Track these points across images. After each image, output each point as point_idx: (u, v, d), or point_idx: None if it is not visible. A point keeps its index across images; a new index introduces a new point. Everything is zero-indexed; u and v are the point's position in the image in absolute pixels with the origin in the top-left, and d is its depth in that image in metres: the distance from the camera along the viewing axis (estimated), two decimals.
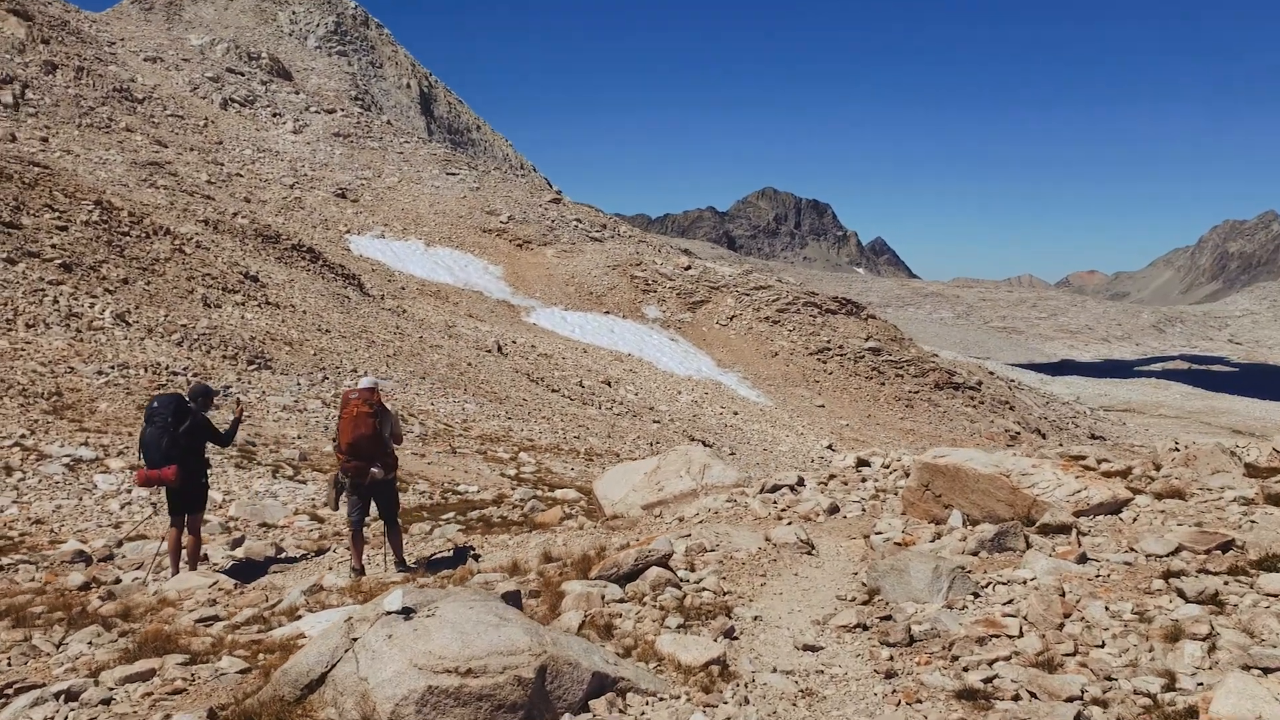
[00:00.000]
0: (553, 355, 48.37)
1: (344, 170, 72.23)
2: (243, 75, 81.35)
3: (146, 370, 23.63)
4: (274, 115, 77.85)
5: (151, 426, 10.20)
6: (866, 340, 64.30)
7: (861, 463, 14.01)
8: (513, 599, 6.37)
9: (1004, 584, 7.52)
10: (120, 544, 12.69)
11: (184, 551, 10.71)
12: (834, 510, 10.88)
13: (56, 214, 32.10)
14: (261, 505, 15.90)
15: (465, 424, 28.48)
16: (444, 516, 16.20)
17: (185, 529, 10.69)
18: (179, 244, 36.53)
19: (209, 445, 10.94)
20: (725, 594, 7.79)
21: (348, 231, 62.43)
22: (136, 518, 14.76)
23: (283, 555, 12.15)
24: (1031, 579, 7.48)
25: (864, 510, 11.00)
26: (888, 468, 13.45)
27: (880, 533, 9.47)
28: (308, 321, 35.67)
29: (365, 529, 11.04)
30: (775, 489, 11.68)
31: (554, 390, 40.02)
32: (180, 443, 10.28)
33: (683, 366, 56.72)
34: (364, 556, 10.19)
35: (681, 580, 7.88)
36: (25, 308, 24.95)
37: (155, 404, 10.47)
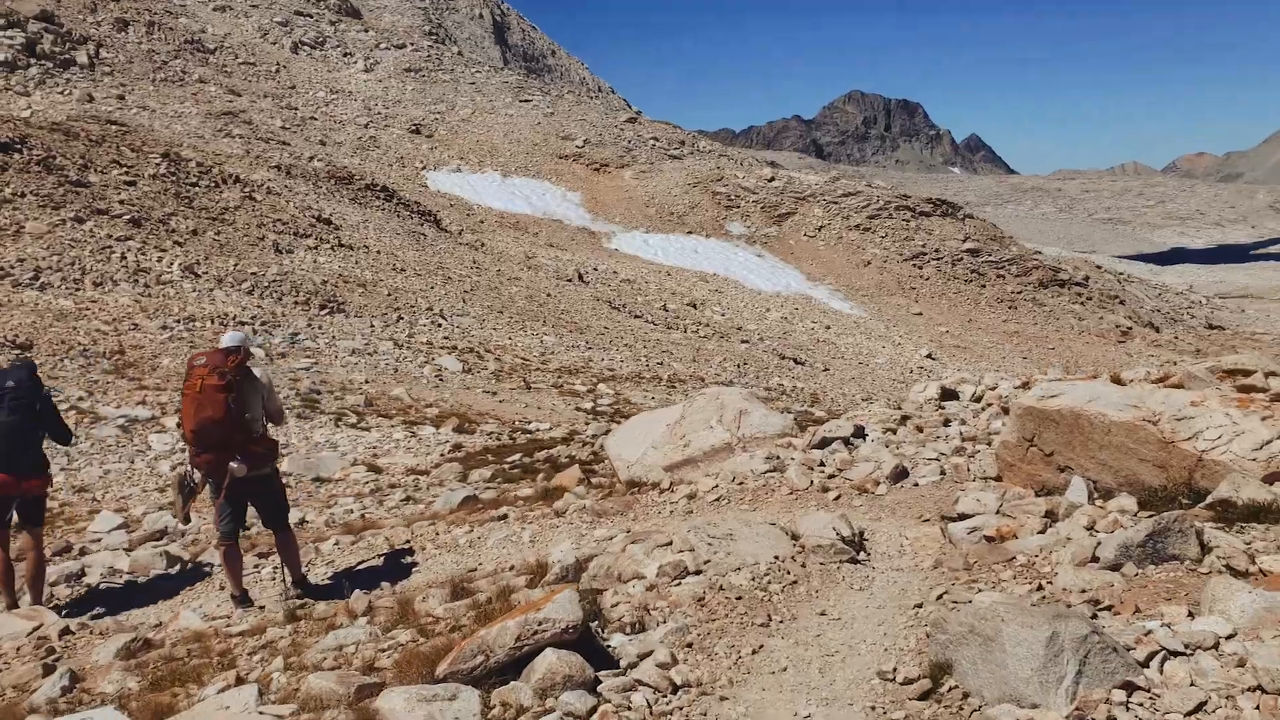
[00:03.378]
0: (635, 280, 47.10)
1: (417, 105, 71.32)
2: (311, 17, 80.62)
3: (214, 322, 23.15)
4: (345, 55, 77.14)
5: (5, 411, 7.09)
6: (964, 242, 61.32)
7: (946, 394, 10.88)
8: None
9: (1181, 653, 4.10)
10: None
11: (20, 576, 7.23)
12: (900, 475, 8.05)
13: (124, 169, 31.85)
14: (316, 459, 15.15)
15: (543, 357, 27.53)
16: (509, 459, 15.26)
17: (7, 544, 7.17)
18: (249, 191, 36.13)
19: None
20: (680, 689, 4.53)
21: (424, 168, 61.70)
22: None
23: (182, 567, 8.58)
24: (1227, 636, 4.13)
25: (943, 473, 8.04)
26: (979, 401, 10.41)
27: (964, 515, 6.51)
28: (382, 261, 35.02)
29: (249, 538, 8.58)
30: (826, 443, 8.99)
31: (636, 316, 38.83)
32: (40, 434, 7.49)
33: (770, 283, 54.89)
34: (244, 575, 7.29)
35: (607, 669, 4.62)
36: (93, 266, 24.67)
37: (8, 380, 7.30)
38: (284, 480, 14.50)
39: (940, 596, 5.26)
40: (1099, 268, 72.47)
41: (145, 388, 17.97)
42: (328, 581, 7.37)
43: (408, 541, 8.07)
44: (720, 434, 8.88)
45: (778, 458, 8.48)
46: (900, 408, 10.72)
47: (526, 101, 75.81)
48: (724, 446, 8.73)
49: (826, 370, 38.00)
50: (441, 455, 15.61)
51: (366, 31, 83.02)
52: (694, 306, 45.17)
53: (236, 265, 28.64)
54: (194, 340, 21.51)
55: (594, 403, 21.92)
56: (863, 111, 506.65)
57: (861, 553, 6.17)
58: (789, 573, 5.74)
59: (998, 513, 6.37)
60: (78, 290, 23.11)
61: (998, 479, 7.44)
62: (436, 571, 7.15)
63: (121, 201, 29.45)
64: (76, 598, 7.35)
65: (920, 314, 54.48)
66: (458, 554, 7.61)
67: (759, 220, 62.71)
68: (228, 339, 6.98)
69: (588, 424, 18.79)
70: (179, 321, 22.48)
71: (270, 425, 7.14)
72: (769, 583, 5.59)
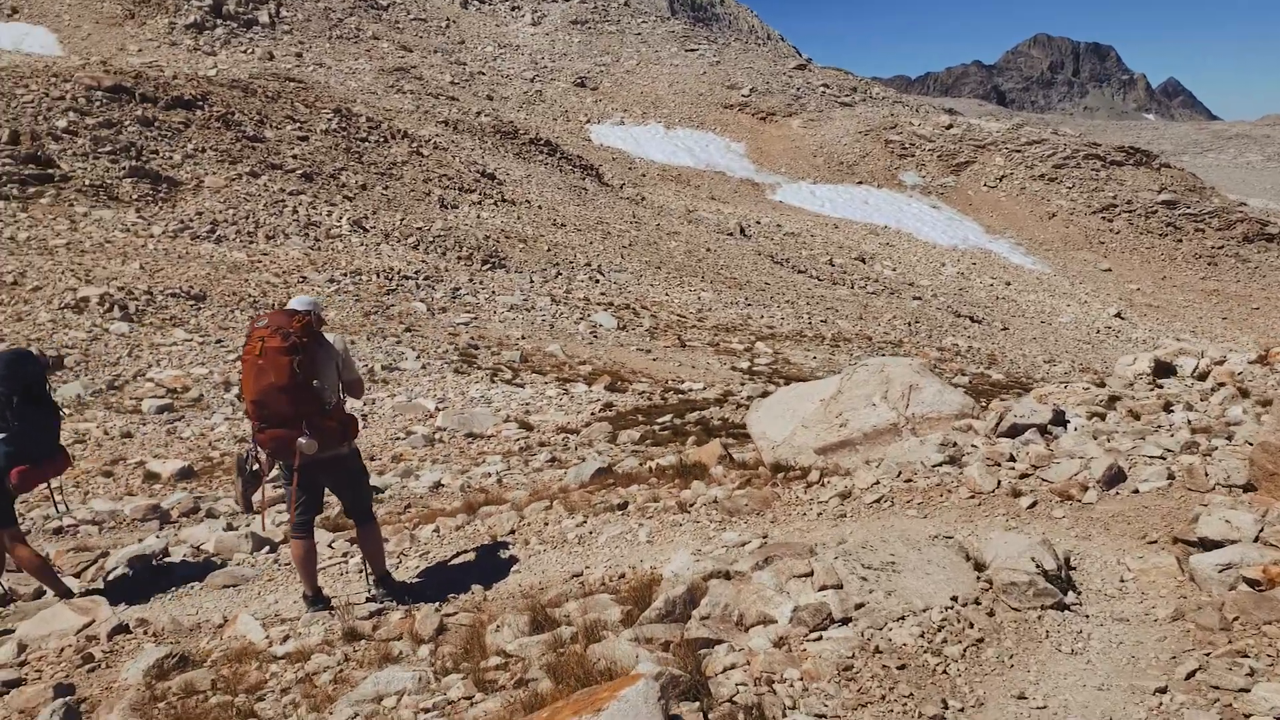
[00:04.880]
0: (800, 234, 45.70)
1: (582, 58, 71.20)
2: None
3: (379, 275, 23.46)
4: (513, 9, 77.71)
5: (35, 404, 6.20)
6: (1160, 193, 56.89)
7: (1161, 369, 8.80)
8: None
9: None
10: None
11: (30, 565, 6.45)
12: (1115, 478, 6.27)
13: (298, 125, 32.75)
14: (470, 414, 14.98)
15: (700, 314, 26.85)
16: (659, 420, 14.71)
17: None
18: (416, 147, 36.66)
19: None
20: None
21: (587, 121, 61.62)
22: None
23: (272, 549, 7.49)
24: None
25: (1171, 477, 6.20)
26: (1203, 379, 8.36)
27: (1209, 542, 4.87)
28: (543, 217, 34.99)
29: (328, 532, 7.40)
30: (1016, 430, 7.28)
31: (800, 271, 37.59)
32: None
33: (946, 236, 52.37)
34: (316, 572, 6.12)
35: None
36: (266, 219, 25.40)
37: (23, 362, 6.27)
38: (436, 435, 14.49)
39: (1192, 675, 3.81)
40: None
41: None
42: (416, 580, 6.51)
43: (512, 531, 7.14)
44: (884, 413, 7.49)
45: (954, 445, 7.04)
46: (1104, 384, 8.87)
47: (692, 51, 74.59)
48: (888, 428, 7.41)
49: (1005, 329, 35.90)
50: (592, 414, 15.20)
51: None
52: (862, 261, 43.50)
53: (403, 220, 29.04)
54: (359, 294, 21.83)
55: (751, 362, 21.11)
56: (1049, 56, 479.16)
57: (1070, 592, 4.67)
58: (972, 625, 4.28)
59: (1258, 541, 4.70)
60: (251, 243, 23.81)
61: (1246, 488, 5.72)
62: (534, 574, 6.28)
63: (295, 156, 30.27)
64: (149, 580, 6.82)
65: (1109, 270, 50.97)
66: (563, 551, 6.66)
67: (935, 170, 59.89)
68: (296, 302, 5.88)
69: (743, 384, 18.04)
70: (345, 275, 22.85)
71: (348, 399, 6.10)
72: (944, 642, 4.15)
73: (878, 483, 6.70)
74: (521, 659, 3.99)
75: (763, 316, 27.92)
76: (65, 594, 6.28)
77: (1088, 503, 6.10)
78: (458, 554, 6.89)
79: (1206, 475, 5.98)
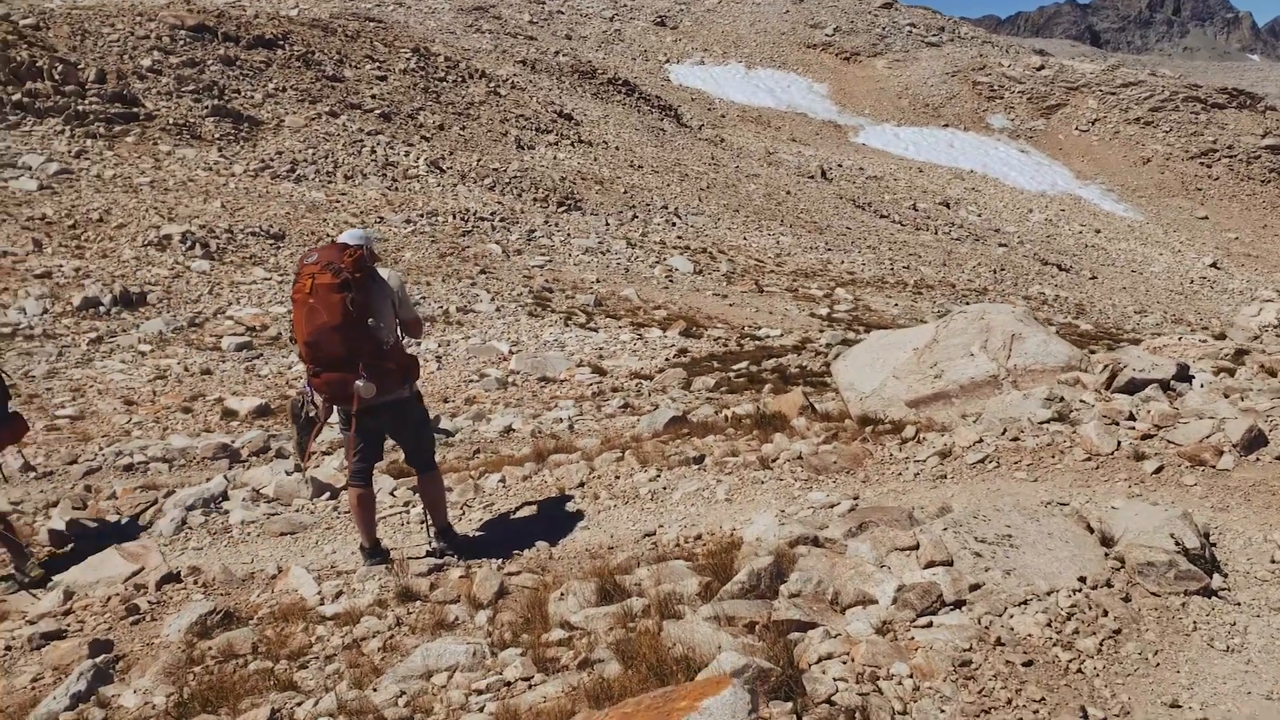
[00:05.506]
0: (883, 177, 44.55)
1: None
2: None
3: (455, 217, 23.39)
4: None
5: None
6: (1264, 137, 54.13)
7: None
8: None
9: None
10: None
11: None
12: (1256, 442, 5.50)
13: (376, 64, 32.70)
14: (543, 358, 14.84)
15: (778, 258, 26.32)
16: (735, 367, 14.41)
17: None
18: (494, 86, 36.40)
19: None
20: None
21: (667, 61, 60.62)
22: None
23: (333, 495, 7.09)
24: None
25: None
26: None
27: None
28: (620, 158, 34.56)
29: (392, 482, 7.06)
30: (1135, 387, 6.56)
31: (882, 216, 36.66)
32: None
33: (1034, 181, 50.63)
34: (375, 523, 5.78)
35: None
36: (344, 159, 25.46)
37: None
38: (509, 378, 14.39)
39: None
40: None
41: None
42: (479, 533, 6.14)
43: (581, 484, 6.64)
44: (983, 364, 6.97)
45: (1062, 400, 6.42)
46: (1224, 336, 8.07)
47: None
48: (988, 380, 6.90)
49: (1094, 278, 34.67)
50: (666, 360, 14.95)
51: None
52: (947, 206, 42.29)
53: (479, 160, 28.91)
54: (434, 234, 21.80)
55: (830, 308, 20.63)
56: None
57: (1216, 574, 4.05)
58: (1106, 613, 3.69)
59: None
60: (329, 183, 23.90)
61: None
62: (604, 531, 5.83)
63: (373, 96, 30.25)
64: (204, 527, 6.56)
65: (1205, 217, 48.85)
66: (635, 508, 6.15)
67: (1024, 113, 57.81)
68: (347, 235, 5.41)
69: (822, 331, 17.62)
70: (422, 215, 22.82)
71: (408, 340, 5.68)
72: (1075, 633, 3.57)
73: (980, 440, 6.15)
74: (587, 633, 3.58)
75: (843, 262, 27.29)
76: (22, 559, 5.85)
77: (1223, 469, 5.40)
78: (523, 505, 6.55)
79: None
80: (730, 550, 4.44)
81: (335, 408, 5.47)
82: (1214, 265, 42.25)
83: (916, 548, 3.99)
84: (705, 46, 63.24)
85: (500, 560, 5.33)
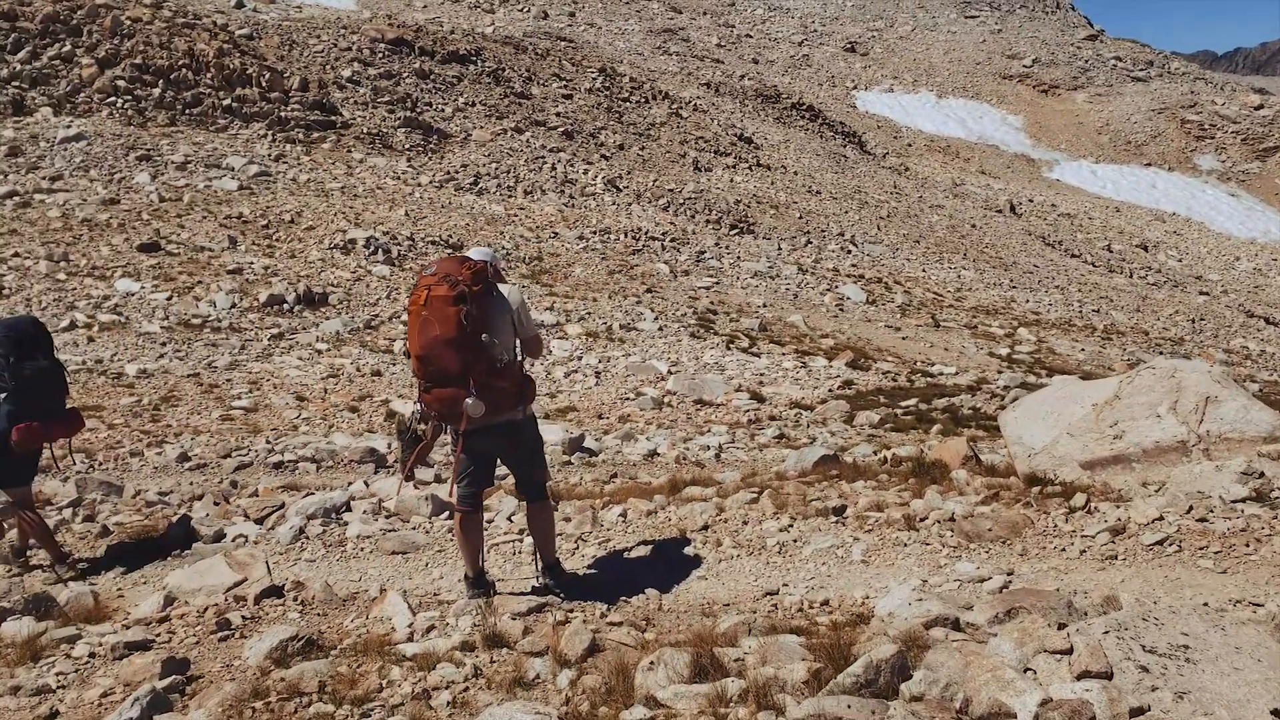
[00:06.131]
0: (1076, 215, 42.34)
1: (854, 23, 68.98)
2: None
3: (626, 235, 23.50)
4: None
5: (44, 359, 6.06)
6: None
7: None
8: None
9: None
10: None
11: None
12: None
13: (563, 83, 33.39)
14: (700, 380, 14.59)
15: (958, 293, 25.25)
16: (903, 404, 13.76)
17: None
18: (676, 108, 36.58)
19: None
20: None
21: (854, 87, 59.68)
22: (577, 387, 14.18)
23: (434, 516, 6.79)
24: None
25: None
26: None
27: None
28: (798, 183, 34.07)
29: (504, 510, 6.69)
30: None
31: (1073, 255, 34.76)
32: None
33: (1243, 227, 47.07)
34: (484, 553, 5.52)
35: None
36: (525, 175, 26.01)
37: (18, 326, 6.20)
38: (665, 398, 14.20)
39: None
40: None
41: (555, 294, 18.47)
42: (589, 570, 5.74)
43: (706, 526, 6.15)
44: (1171, 427, 6.24)
45: (1262, 477, 5.57)
46: None
47: (972, 18, 70.62)
48: (1175, 446, 6.14)
49: None
50: (830, 391, 14.43)
51: None
52: (1144, 249, 39.78)
53: (655, 181, 29.02)
54: (605, 252, 21.94)
55: (1011, 348, 19.55)
56: None
57: None
58: None
59: None
60: (509, 197, 24.44)
61: None
62: (723, 584, 5.34)
63: (558, 114, 30.87)
64: (321, 538, 6.44)
65: None
66: (760, 560, 5.63)
67: (1237, 154, 53.93)
68: (473, 252, 5.22)
69: (1000, 373, 16.66)
70: (595, 233, 23.02)
71: (526, 360, 5.34)
72: None
73: (1161, 518, 5.39)
74: (673, 714, 3.07)
75: (1028, 301, 25.94)
76: (60, 559, 6.02)
77: None
78: (641, 544, 6.15)
79: None
80: (856, 625, 3.93)
81: (447, 426, 5.22)
82: None
83: (1070, 651, 3.34)
84: (896, 74, 61.93)
85: (605, 606, 5.01)
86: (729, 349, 16.80)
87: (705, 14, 63.76)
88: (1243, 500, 5.48)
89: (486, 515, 6.45)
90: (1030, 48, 65.91)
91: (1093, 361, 19.97)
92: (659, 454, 10.15)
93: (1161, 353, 22.99)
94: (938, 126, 54.70)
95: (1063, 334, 22.52)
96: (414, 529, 6.61)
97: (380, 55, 29.47)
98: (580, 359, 15.61)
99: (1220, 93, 62.06)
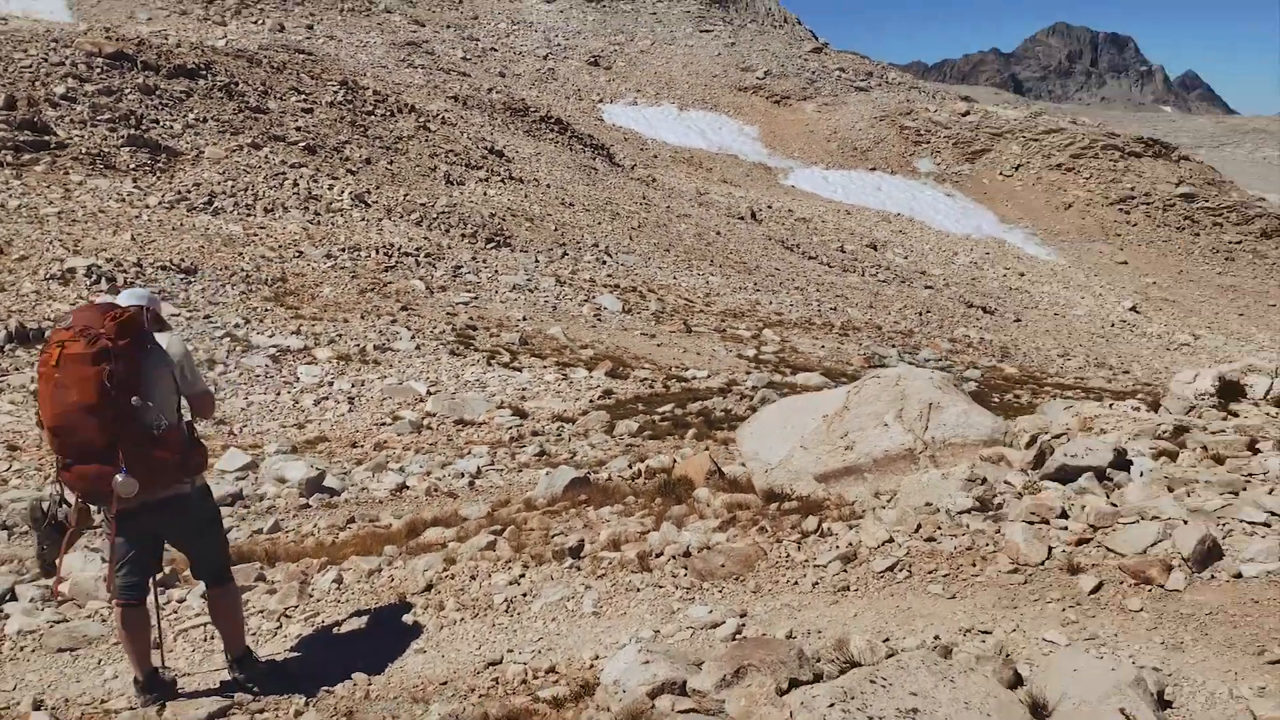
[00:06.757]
0: (811, 219, 45.00)
1: (596, 37, 70.33)
2: None
3: (378, 252, 22.87)
4: None
5: None
6: (1178, 185, 55.94)
7: (1227, 389, 7.25)
8: None
9: None
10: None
11: None
12: (1209, 555, 4.79)
13: (302, 96, 32.14)
14: (462, 399, 14.42)
15: (707, 298, 26.24)
16: (660, 410, 14.14)
17: None
18: (423, 121, 36.01)
19: None
20: None
21: (600, 100, 60.83)
22: (328, 415, 13.66)
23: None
24: None
25: None
26: None
27: None
28: (551, 195, 34.33)
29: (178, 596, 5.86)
30: (1066, 475, 5.80)
31: (810, 257, 36.92)
32: None
33: (959, 224, 51.61)
34: (158, 648, 4.80)
35: None
36: (265, 192, 24.82)
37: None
38: (425, 421, 13.90)
39: None
40: None
41: (301, 317, 17.72)
42: (292, 654, 5.07)
43: (430, 585, 5.67)
44: (898, 435, 6.37)
45: (984, 483, 5.76)
46: (1161, 405, 7.47)
47: (707, 32, 73.64)
48: (903, 454, 6.28)
49: (1018, 321, 35.23)
50: (591, 401, 14.64)
51: None
52: (874, 248, 42.80)
53: (406, 195, 28.44)
54: (355, 270, 21.27)
55: (758, 349, 20.52)
56: (1067, 45, 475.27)
57: None
58: None
59: None
60: (249, 216, 23.24)
61: None
62: (442, 657, 4.94)
63: (298, 129, 29.67)
64: None
65: (1125, 262, 50.17)
66: (485, 622, 5.24)
67: (950, 157, 59.02)
68: (124, 295, 4.45)
69: (749, 373, 17.46)
70: (343, 250, 22.28)
71: (197, 420, 4.66)
72: None
73: (890, 540, 5.39)
74: None
75: (771, 303, 27.30)
76: None
77: (1173, 589, 4.62)
78: (355, 614, 5.60)
79: None
80: (580, 698, 3.71)
81: (96, 508, 4.37)
82: (1133, 309, 43.30)
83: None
84: (638, 87, 63.64)
85: (303, 700, 4.45)
86: (490, 365, 16.69)
87: (449, 27, 63.17)
88: (968, 511, 5.64)
89: (176, 595, 5.76)
90: (762, 60, 69.48)
91: (833, 357, 21.27)
92: (408, 487, 9.91)
93: (894, 346, 24.80)
94: (680, 138, 56.65)
95: (804, 332, 23.85)
96: (89, 617, 5.71)
97: (99, 70, 27.30)
98: (331, 384, 15.05)
99: (933, 100, 67.69)
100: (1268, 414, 7.00)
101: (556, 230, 29.99)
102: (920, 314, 31.14)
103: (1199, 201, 55.30)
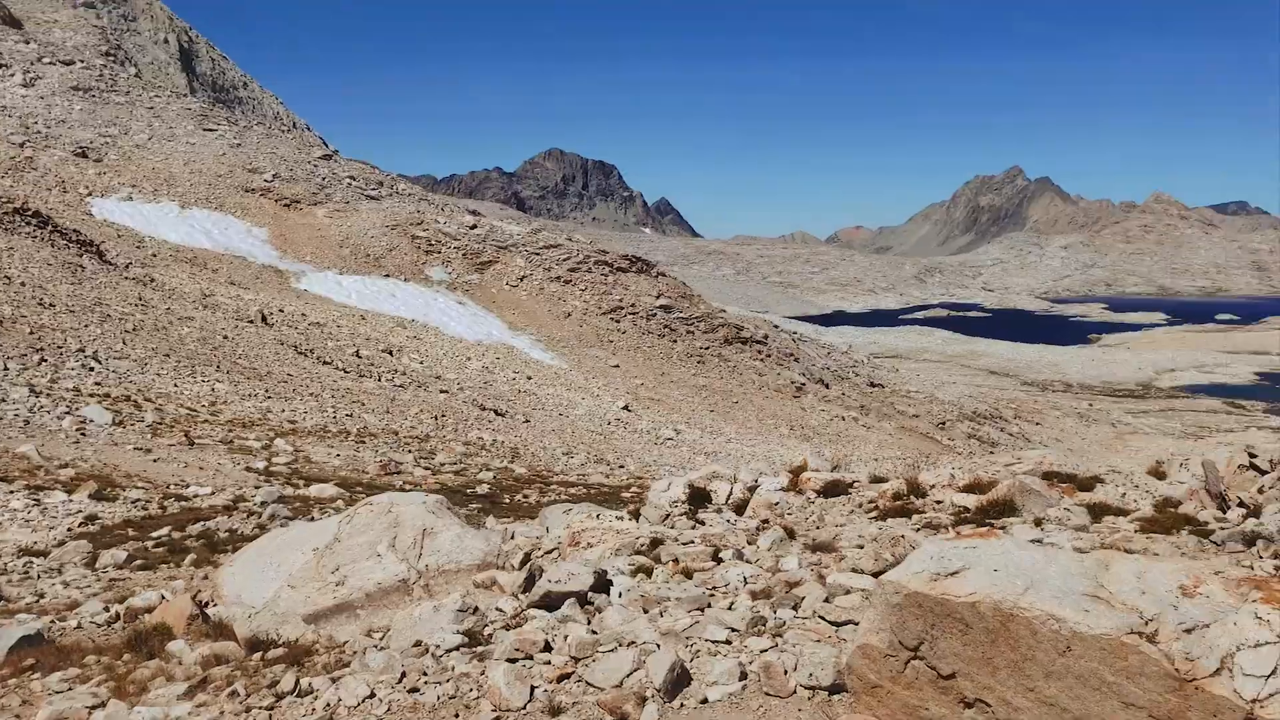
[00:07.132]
0: (325, 324, 44.56)
1: (85, 127, 64.61)
2: None
3: None
4: (0, 66, 68.80)
5: None
6: (658, 298, 63.39)
7: (697, 495, 7.98)
8: None
9: None
10: None
11: None
12: (679, 681, 5.15)
13: None
14: None
15: (213, 407, 24.96)
16: (154, 534, 13.25)
17: None
18: None
19: None
20: None
21: (89, 194, 55.75)
22: None
23: None
24: None
25: (744, 677, 5.23)
26: (740, 512, 7.76)
27: None
28: (26, 294, 30.75)
29: None
30: (551, 602, 6.04)
31: (325, 363, 36.53)
32: None
33: (472, 331, 53.92)
34: None
35: None
36: None
37: None
38: None
39: None
40: (776, 327, 77.22)
41: None
42: None
43: None
44: (392, 565, 6.17)
45: (475, 613, 5.82)
46: (640, 515, 7.98)
47: (211, 130, 70.74)
48: (396, 586, 6.09)
49: (528, 422, 37.43)
50: (69, 530, 13.29)
51: (28, 44, 74.52)
52: (390, 353, 43.31)
53: None
54: None
55: (269, 460, 19.92)
56: (562, 169, 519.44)
57: None
58: None
59: None
60: None
61: (833, 689, 4.89)
62: None
63: None
64: None
65: (618, 366, 55.38)
66: None
67: (461, 267, 61.70)
68: None
69: (258, 488, 16.92)
70: None
71: None
72: None
73: (372, 695, 5.13)
74: None
75: (284, 410, 26.61)
76: None
77: None
78: None
79: (786, 674, 5.08)
80: None
81: None
82: (626, 408, 47.83)
83: None
84: (135, 182, 59.30)
85: None
86: None
87: None
88: (456, 649, 5.64)
89: None
90: (270, 163, 68.09)
91: (348, 466, 21.24)
92: None
93: (410, 451, 25.26)
94: (183, 237, 53.56)
95: (319, 440, 23.55)
96: None
97: None
98: None
99: (442, 213, 70.52)
100: (728, 520, 7.81)
101: (32, 333, 26.91)
102: (436, 418, 32.02)
103: (675, 312, 62.94)
